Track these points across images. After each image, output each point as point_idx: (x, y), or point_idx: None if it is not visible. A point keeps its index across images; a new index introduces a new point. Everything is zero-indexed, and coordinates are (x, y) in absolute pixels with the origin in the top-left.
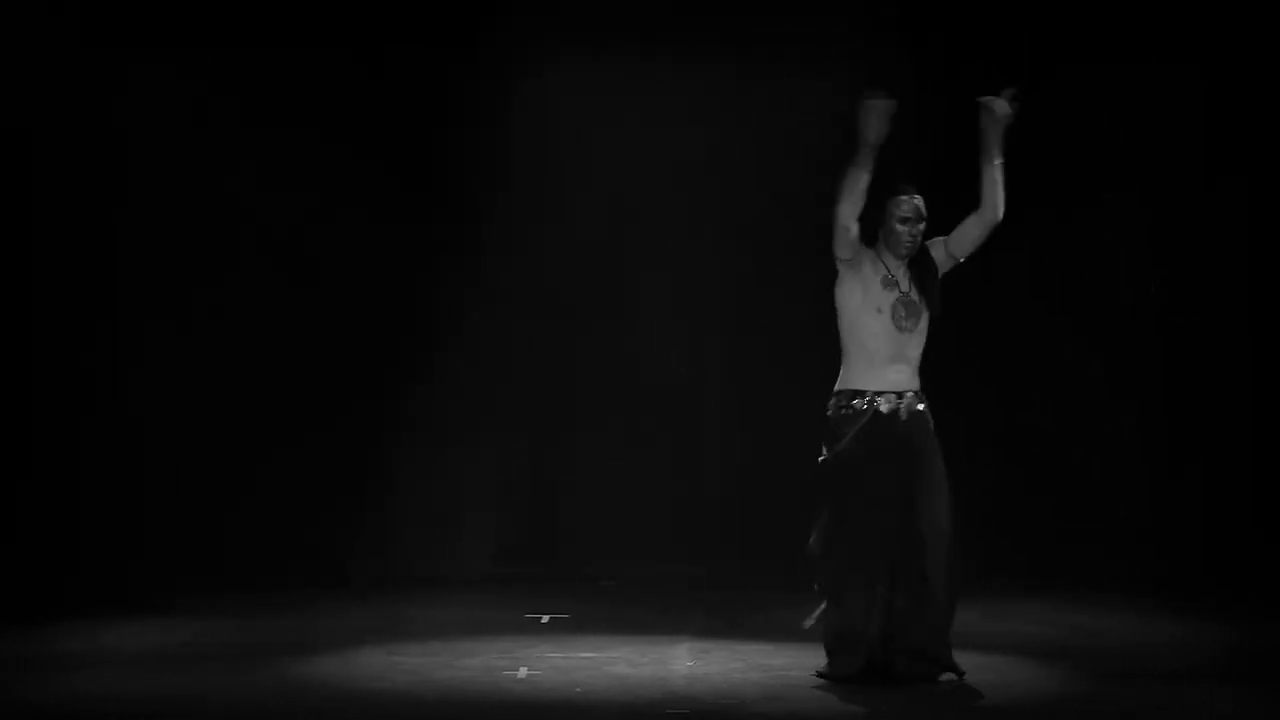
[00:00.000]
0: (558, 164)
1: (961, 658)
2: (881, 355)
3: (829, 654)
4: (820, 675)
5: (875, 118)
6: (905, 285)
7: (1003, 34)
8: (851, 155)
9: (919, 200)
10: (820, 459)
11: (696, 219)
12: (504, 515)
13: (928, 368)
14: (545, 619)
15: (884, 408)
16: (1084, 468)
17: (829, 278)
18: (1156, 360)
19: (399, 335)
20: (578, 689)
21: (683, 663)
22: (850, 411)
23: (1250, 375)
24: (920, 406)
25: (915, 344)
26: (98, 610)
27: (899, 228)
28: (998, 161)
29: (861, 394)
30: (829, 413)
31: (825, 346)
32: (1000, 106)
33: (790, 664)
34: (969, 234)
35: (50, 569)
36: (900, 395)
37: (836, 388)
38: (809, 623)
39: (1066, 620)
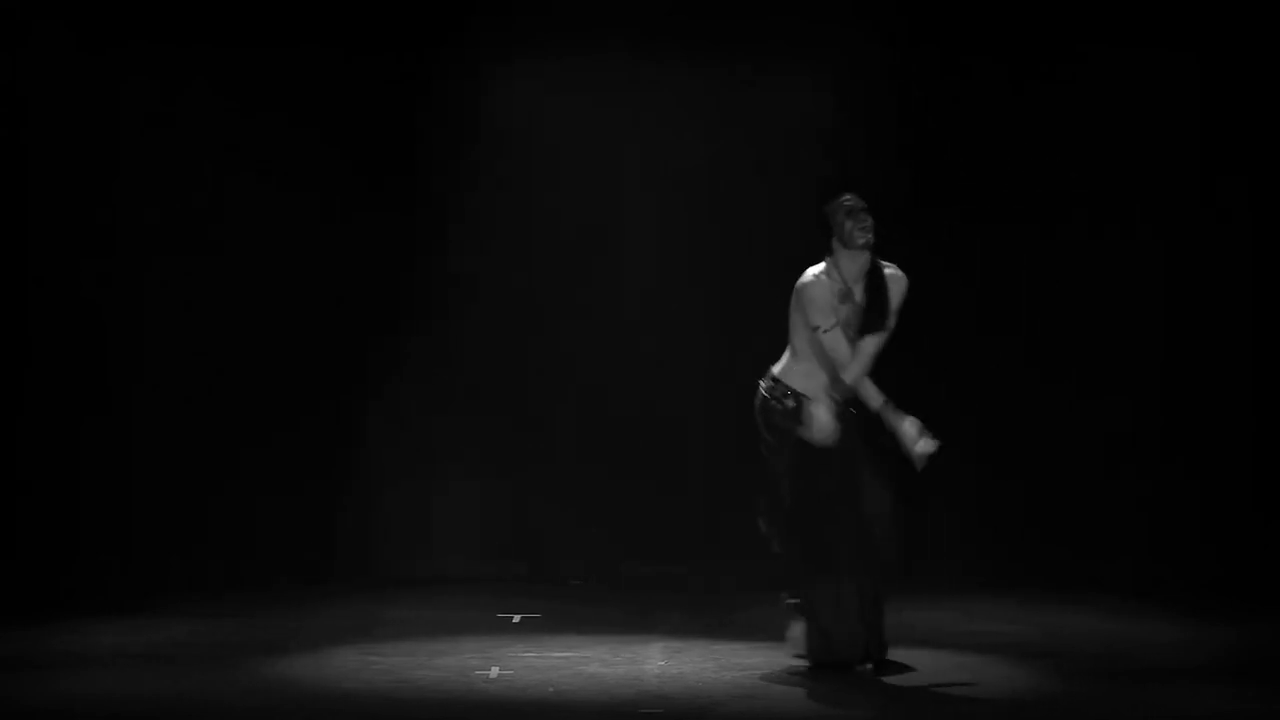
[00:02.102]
0: (534, 160)
1: (954, 658)
2: (828, 363)
3: (821, 649)
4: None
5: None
6: (860, 297)
7: (998, 30)
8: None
9: (855, 200)
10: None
11: (676, 216)
12: (477, 515)
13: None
14: (517, 619)
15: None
16: (1076, 466)
17: None
18: (1155, 357)
19: (372, 334)
20: (551, 689)
21: (656, 662)
22: (782, 407)
23: (1250, 373)
24: (851, 411)
25: (864, 357)
26: (74, 613)
27: (847, 222)
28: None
29: (799, 395)
30: (763, 392)
31: None
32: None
33: (763, 663)
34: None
35: (38, 572)
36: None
37: (777, 372)
38: (791, 635)
39: (1068, 621)
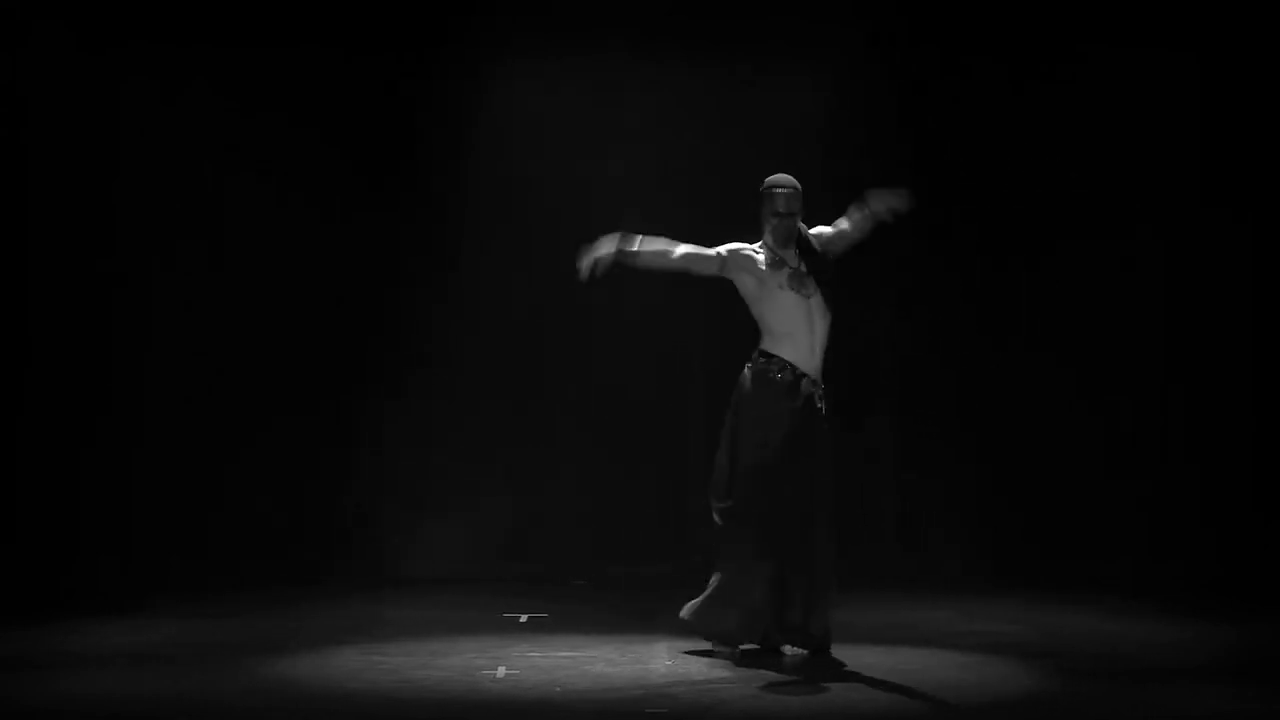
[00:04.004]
0: (534, 160)
1: (954, 657)
2: (797, 327)
3: (719, 623)
4: (713, 646)
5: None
6: (794, 262)
7: (998, 30)
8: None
9: (789, 192)
10: (733, 410)
11: (675, 216)
12: (478, 515)
13: (930, 367)
14: (523, 618)
15: (805, 389)
16: (1076, 466)
17: None
18: (1155, 357)
19: (372, 334)
20: (557, 688)
21: (661, 661)
22: (772, 375)
23: (1250, 373)
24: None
25: (821, 316)
26: (74, 613)
27: (773, 220)
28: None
29: (785, 364)
30: (750, 367)
31: None
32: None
33: (768, 662)
34: (835, 244)
35: (38, 572)
36: (816, 383)
37: (763, 346)
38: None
39: (1068, 621)
